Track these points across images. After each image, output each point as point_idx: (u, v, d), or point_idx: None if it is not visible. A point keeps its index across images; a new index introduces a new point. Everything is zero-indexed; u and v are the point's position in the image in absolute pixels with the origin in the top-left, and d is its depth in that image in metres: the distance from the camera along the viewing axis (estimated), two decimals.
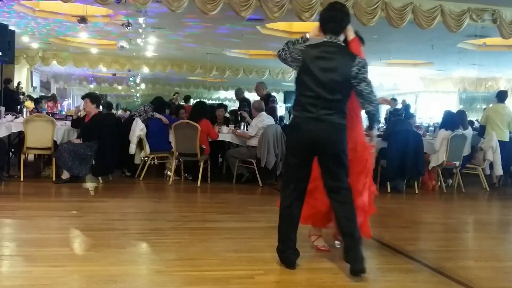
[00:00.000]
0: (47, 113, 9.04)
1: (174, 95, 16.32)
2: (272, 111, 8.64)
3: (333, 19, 3.57)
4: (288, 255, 3.58)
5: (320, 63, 3.47)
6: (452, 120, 7.90)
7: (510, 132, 8.63)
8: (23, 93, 12.68)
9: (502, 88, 16.43)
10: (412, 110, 14.16)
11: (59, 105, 13.32)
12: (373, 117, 3.59)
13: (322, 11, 3.71)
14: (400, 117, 8.41)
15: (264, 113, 7.78)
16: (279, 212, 3.63)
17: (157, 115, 7.86)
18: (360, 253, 3.45)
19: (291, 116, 3.73)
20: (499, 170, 8.25)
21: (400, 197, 7.31)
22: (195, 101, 11.95)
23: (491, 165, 8.29)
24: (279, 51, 3.66)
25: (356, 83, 3.46)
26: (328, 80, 3.44)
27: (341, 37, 3.61)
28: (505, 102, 8.79)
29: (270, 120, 7.70)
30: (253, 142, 7.51)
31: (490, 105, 10.09)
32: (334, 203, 3.56)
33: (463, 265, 3.97)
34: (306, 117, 3.48)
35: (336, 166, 3.53)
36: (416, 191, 7.52)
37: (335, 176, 3.54)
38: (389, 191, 7.39)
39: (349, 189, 3.56)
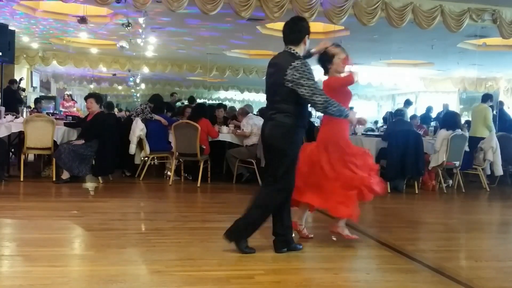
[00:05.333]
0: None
1: (172, 95, 16.17)
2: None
3: (291, 31, 3.84)
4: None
5: (268, 70, 3.93)
6: (453, 120, 7.90)
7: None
8: (24, 89, 12.71)
9: (502, 88, 16.49)
10: (412, 110, 14.14)
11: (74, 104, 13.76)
12: (335, 115, 3.77)
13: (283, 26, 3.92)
14: (401, 117, 8.40)
15: (250, 114, 7.97)
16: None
17: (156, 117, 7.80)
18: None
19: None
20: (499, 170, 8.25)
21: (400, 197, 7.31)
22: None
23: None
24: None
25: (296, 88, 3.65)
26: (270, 85, 3.90)
27: (301, 47, 3.82)
28: (487, 103, 9.17)
29: (258, 119, 7.71)
30: (251, 141, 7.53)
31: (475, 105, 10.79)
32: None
33: (463, 265, 3.97)
34: (264, 118, 4.01)
35: (276, 161, 3.80)
36: (416, 191, 7.52)
37: (273, 170, 3.82)
38: (389, 191, 7.37)
39: (281, 187, 3.86)
